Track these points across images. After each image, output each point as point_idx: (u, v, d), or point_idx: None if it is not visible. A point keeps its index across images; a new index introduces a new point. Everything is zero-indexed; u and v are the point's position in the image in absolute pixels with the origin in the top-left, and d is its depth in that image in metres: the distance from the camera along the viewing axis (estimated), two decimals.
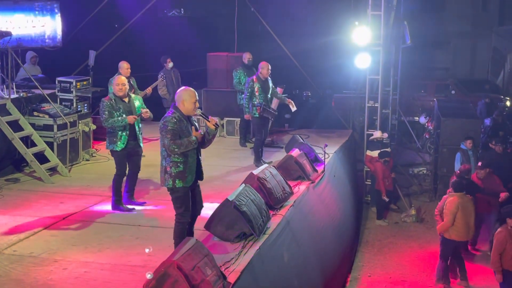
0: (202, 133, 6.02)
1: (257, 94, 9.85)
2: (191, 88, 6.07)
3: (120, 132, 7.62)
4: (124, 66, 10.02)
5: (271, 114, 10.03)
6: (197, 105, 6.01)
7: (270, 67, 9.94)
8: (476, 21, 23.06)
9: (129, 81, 10.78)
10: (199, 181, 6.21)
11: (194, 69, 15.47)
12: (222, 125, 12.32)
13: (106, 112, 7.55)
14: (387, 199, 12.30)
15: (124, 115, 7.58)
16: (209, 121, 5.98)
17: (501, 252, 8.10)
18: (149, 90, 10.84)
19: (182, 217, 6.07)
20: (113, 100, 7.63)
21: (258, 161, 9.93)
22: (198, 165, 6.10)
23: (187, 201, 6.05)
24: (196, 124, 6.13)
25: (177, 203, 6.06)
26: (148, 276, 4.65)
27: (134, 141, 7.75)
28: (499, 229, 8.22)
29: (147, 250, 5.29)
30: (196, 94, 6.03)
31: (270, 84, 10.07)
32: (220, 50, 14.00)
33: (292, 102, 10.25)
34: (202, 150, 6.18)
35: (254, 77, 9.94)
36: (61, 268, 5.92)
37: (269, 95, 10.04)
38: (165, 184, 6.02)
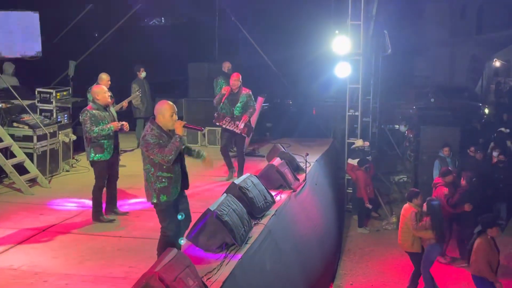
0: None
1: (222, 103, 9.58)
2: (168, 102, 5.93)
3: (106, 142, 7.57)
4: (104, 77, 9.89)
5: (223, 128, 9.67)
6: (175, 117, 5.84)
7: (240, 78, 9.51)
8: (454, 29, 23.40)
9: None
10: (185, 192, 6.14)
11: (175, 78, 15.46)
12: (204, 135, 12.29)
13: (90, 122, 7.48)
14: (370, 206, 12.38)
15: (108, 124, 7.54)
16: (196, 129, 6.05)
17: (487, 261, 7.94)
18: (125, 103, 10.52)
19: (167, 230, 6.00)
20: (97, 110, 7.58)
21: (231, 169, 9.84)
22: (184, 175, 6.04)
23: (171, 214, 5.98)
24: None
25: (161, 216, 6.00)
26: None
27: (116, 150, 7.73)
28: (478, 240, 8.04)
29: None
30: (174, 107, 5.89)
31: (240, 99, 9.54)
32: (201, 59, 14.04)
33: (247, 117, 9.62)
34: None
35: (228, 87, 9.68)
36: (41, 281, 5.85)
37: (234, 109, 9.53)
38: (150, 200, 5.95)
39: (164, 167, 5.75)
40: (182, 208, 6.07)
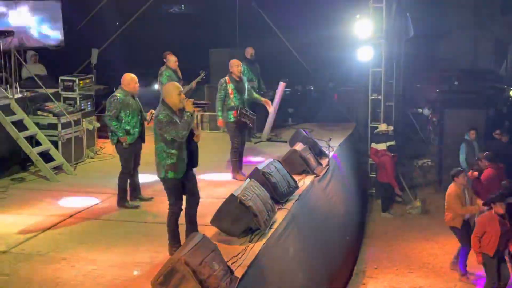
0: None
1: (231, 96, 8.84)
2: (174, 83, 6.38)
3: (132, 129, 7.68)
4: (172, 59, 9.98)
5: (249, 118, 8.98)
6: (183, 96, 6.11)
7: (240, 65, 9.03)
8: (478, 11, 22.97)
9: (176, 74, 10.83)
10: (195, 170, 6.29)
11: (196, 65, 15.46)
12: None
13: (115, 110, 7.56)
14: (401, 193, 12.36)
15: (122, 130, 7.61)
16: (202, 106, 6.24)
17: (480, 236, 8.27)
18: (194, 84, 10.65)
19: (173, 207, 6.18)
20: (124, 96, 7.65)
21: (236, 172, 9.08)
22: (194, 153, 6.20)
23: (178, 192, 6.17)
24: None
25: (168, 193, 6.20)
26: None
27: (140, 137, 7.82)
28: (482, 214, 8.40)
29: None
30: (180, 87, 6.20)
31: (246, 85, 9.14)
32: (222, 45, 13.99)
33: (269, 102, 9.43)
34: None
35: (227, 78, 8.93)
36: (69, 266, 5.95)
37: (245, 96, 9.04)
38: (159, 175, 6.14)
39: (176, 144, 5.97)
40: (190, 186, 6.24)
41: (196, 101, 6.14)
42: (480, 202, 9.16)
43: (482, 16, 22.42)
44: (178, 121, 5.98)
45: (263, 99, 9.44)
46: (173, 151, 6.00)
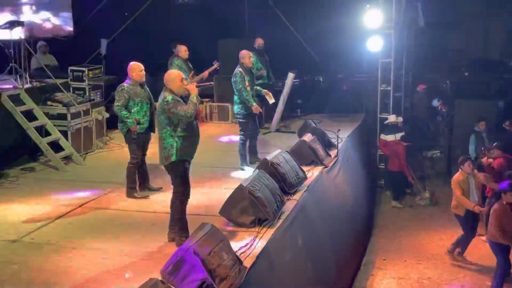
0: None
1: (248, 88, 8.81)
2: (175, 70, 6.66)
3: (142, 118, 7.69)
4: (182, 49, 10.00)
5: (250, 118, 9.01)
6: (185, 83, 6.21)
7: (252, 56, 9.01)
8: (489, 1, 22.76)
9: (187, 64, 10.83)
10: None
11: (204, 56, 15.44)
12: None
13: (123, 99, 7.56)
14: (413, 181, 12.34)
15: (132, 119, 7.60)
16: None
17: (501, 227, 8.16)
18: (206, 73, 10.64)
19: (181, 194, 6.21)
20: (132, 86, 7.65)
21: (244, 163, 9.03)
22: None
23: (186, 176, 6.20)
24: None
25: (176, 180, 6.21)
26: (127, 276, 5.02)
27: (150, 127, 7.82)
28: (494, 206, 8.30)
29: (127, 275, 5.46)
30: (182, 74, 6.29)
31: (254, 76, 9.21)
32: (230, 36, 13.95)
33: (270, 93, 9.29)
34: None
35: (241, 70, 8.83)
36: (79, 255, 5.99)
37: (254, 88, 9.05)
38: (166, 161, 6.13)
39: (183, 126, 6.06)
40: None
41: (199, 84, 6.29)
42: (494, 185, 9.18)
43: (493, 5, 22.20)
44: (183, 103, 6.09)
45: (264, 90, 9.36)
46: (182, 134, 6.07)
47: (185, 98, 6.21)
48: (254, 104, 8.83)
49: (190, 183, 6.27)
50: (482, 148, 10.79)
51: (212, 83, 6.82)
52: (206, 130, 11.23)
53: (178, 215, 6.24)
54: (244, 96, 8.80)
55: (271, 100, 9.33)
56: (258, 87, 9.36)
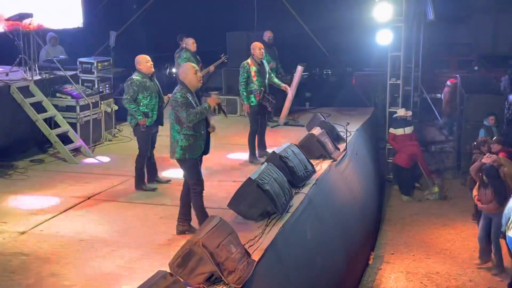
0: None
1: (254, 79, 8.78)
2: (189, 62, 6.67)
3: (150, 111, 7.66)
4: (190, 42, 9.97)
5: (270, 103, 8.98)
6: (200, 75, 6.23)
7: (262, 48, 8.99)
8: None
9: (194, 56, 10.81)
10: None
11: (213, 48, 15.42)
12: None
13: (132, 92, 7.53)
14: (433, 176, 12.37)
15: (141, 114, 7.57)
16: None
17: None
18: (212, 67, 10.61)
19: (196, 187, 6.21)
20: (141, 78, 7.64)
21: (253, 156, 9.03)
22: (207, 140, 6.26)
23: (197, 170, 6.22)
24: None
25: (188, 174, 6.25)
26: None
27: (158, 120, 7.81)
28: None
29: None
30: (195, 66, 6.35)
31: (267, 68, 9.09)
32: (239, 28, 13.92)
33: (289, 87, 9.43)
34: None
35: (249, 60, 8.87)
36: (87, 247, 6.00)
37: (266, 80, 8.99)
38: (174, 156, 6.16)
39: (192, 125, 6.04)
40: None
41: (222, 106, 6.35)
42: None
43: (502, 0, 22.01)
44: (193, 101, 6.03)
45: (283, 84, 9.38)
46: (188, 132, 6.06)
47: (199, 92, 6.21)
48: (246, 103, 8.89)
49: (201, 176, 6.24)
50: (485, 143, 10.55)
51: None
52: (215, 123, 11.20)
53: (198, 208, 6.23)
54: (240, 90, 8.89)
55: (289, 91, 9.50)
56: (277, 81, 9.34)
